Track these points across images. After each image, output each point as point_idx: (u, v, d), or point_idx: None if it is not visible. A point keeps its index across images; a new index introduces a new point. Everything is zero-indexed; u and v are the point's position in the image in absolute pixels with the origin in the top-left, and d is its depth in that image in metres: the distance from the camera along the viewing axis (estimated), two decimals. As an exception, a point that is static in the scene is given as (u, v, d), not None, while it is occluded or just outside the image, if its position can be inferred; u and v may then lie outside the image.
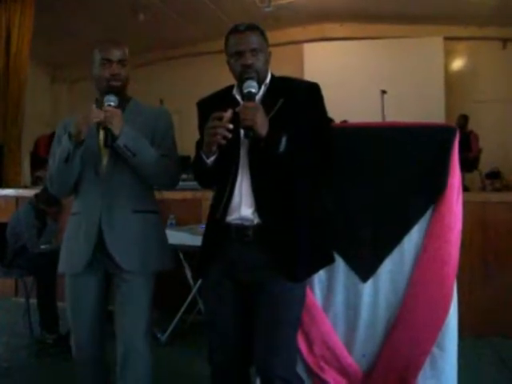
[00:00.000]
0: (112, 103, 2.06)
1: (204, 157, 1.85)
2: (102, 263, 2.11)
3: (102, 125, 2.02)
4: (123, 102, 2.18)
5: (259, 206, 1.84)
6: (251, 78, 1.85)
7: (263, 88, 1.93)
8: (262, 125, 1.73)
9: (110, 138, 2.02)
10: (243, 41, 1.88)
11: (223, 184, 1.90)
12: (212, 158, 1.85)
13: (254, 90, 1.83)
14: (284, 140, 1.75)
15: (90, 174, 2.13)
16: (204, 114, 1.95)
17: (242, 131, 1.79)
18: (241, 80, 1.88)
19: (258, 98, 1.89)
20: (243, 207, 1.86)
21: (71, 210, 2.22)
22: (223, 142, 1.76)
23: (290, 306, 1.88)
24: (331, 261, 2.07)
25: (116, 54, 2.13)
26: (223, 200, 1.89)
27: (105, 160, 2.13)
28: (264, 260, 1.84)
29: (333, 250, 2.13)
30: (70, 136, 2.01)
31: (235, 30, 1.91)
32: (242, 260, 1.87)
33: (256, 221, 1.85)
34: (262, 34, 1.94)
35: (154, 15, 8.31)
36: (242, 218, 1.86)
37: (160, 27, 8.65)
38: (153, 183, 2.19)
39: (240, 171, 1.88)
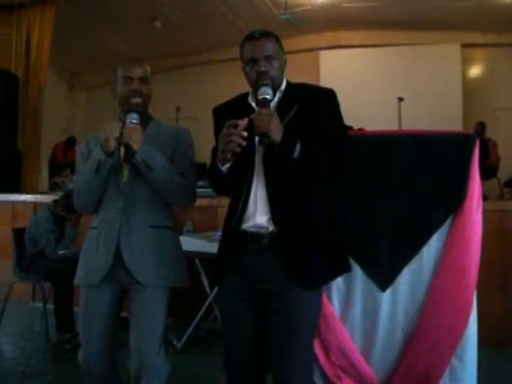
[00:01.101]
0: (134, 120, 2.10)
1: (219, 164, 1.85)
2: (118, 277, 2.12)
3: (123, 140, 2.05)
4: (145, 120, 2.21)
5: (274, 214, 1.83)
6: (266, 85, 1.85)
7: (278, 94, 1.92)
8: (276, 131, 1.73)
9: (130, 153, 2.05)
10: (258, 48, 1.88)
11: (239, 191, 1.90)
12: (227, 166, 1.85)
13: (268, 97, 1.83)
14: (298, 146, 1.74)
15: (111, 188, 2.16)
16: (219, 120, 1.96)
17: (256, 138, 1.79)
18: (256, 87, 1.88)
19: (272, 104, 1.89)
20: (258, 215, 1.86)
21: (91, 224, 2.24)
22: (238, 149, 1.76)
23: (306, 314, 1.87)
24: (347, 269, 2.07)
25: (137, 71, 2.16)
26: (238, 207, 1.88)
27: (125, 175, 2.16)
28: (279, 268, 1.83)
29: (351, 258, 2.12)
30: (101, 147, 2.05)
31: (250, 37, 1.91)
32: (257, 268, 1.87)
33: (271, 228, 1.84)
34: (278, 40, 1.94)
35: (171, 23, 8.38)
36: (257, 226, 1.86)
37: (177, 35, 8.72)
38: (168, 200, 2.20)
39: (255, 178, 1.87)
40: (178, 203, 2.23)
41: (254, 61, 1.88)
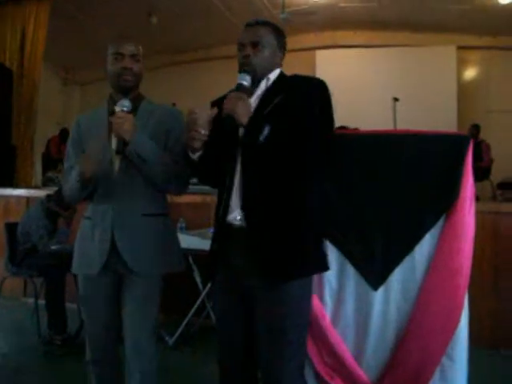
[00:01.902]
0: (125, 108, 2.05)
1: (190, 153, 1.83)
2: (115, 265, 2.12)
3: (113, 131, 2.02)
4: (135, 101, 2.17)
5: (245, 207, 1.78)
6: (244, 71, 1.83)
7: (265, 82, 1.89)
8: (242, 114, 1.71)
9: (121, 144, 2.02)
10: (246, 34, 1.88)
11: (223, 183, 1.86)
12: (197, 155, 1.83)
13: (245, 83, 1.80)
14: (267, 130, 1.70)
15: (103, 179, 2.13)
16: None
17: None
18: (239, 72, 1.86)
19: (259, 92, 1.87)
20: (236, 207, 1.81)
21: (84, 214, 2.24)
22: (198, 145, 1.76)
23: (288, 312, 1.79)
24: (323, 268, 1.96)
25: (128, 48, 2.12)
26: (223, 199, 1.85)
27: (117, 165, 2.13)
28: (252, 263, 1.78)
29: (344, 257, 2.13)
30: (78, 175, 2.04)
31: (246, 24, 1.91)
32: (239, 263, 1.83)
33: (243, 222, 1.79)
34: (275, 31, 1.92)
35: (168, 19, 8.36)
36: (235, 219, 1.81)
37: (173, 31, 8.71)
38: (161, 189, 2.18)
39: (237, 169, 1.83)
40: (172, 191, 2.22)
41: (241, 46, 1.88)
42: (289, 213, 1.78)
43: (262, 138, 1.69)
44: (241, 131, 1.80)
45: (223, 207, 1.84)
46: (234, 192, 1.81)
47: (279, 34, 1.94)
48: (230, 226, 1.82)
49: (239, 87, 1.80)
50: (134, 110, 2.11)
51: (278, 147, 1.71)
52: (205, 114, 1.75)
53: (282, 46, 1.95)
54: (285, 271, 1.77)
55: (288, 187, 1.78)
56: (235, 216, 1.80)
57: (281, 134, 1.70)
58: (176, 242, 2.29)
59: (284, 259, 1.76)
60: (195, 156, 1.84)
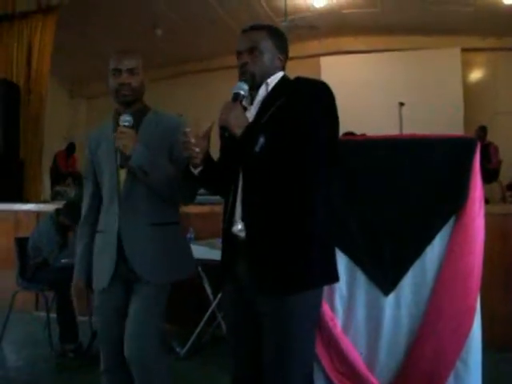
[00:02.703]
0: (126, 123, 2.07)
1: (191, 168, 1.84)
2: (125, 278, 2.14)
3: (115, 146, 2.06)
4: (140, 114, 2.19)
5: (246, 218, 1.73)
6: (242, 80, 1.78)
7: (264, 88, 1.82)
8: (235, 124, 1.67)
9: (124, 158, 2.05)
10: (241, 40, 1.83)
11: (228, 193, 1.83)
12: (199, 170, 1.83)
13: (242, 92, 1.75)
14: (262, 140, 1.62)
15: (110, 192, 2.18)
16: None
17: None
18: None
19: (259, 99, 1.82)
20: (240, 218, 1.76)
21: (97, 228, 2.27)
22: (196, 161, 1.77)
23: (291, 327, 1.71)
24: (331, 280, 1.86)
25: (125, 63, 2.13)
26: (227, 209, 1.82)
27: (122, 178, 2.16)
28: (253, 276, 1.72)
29: (353, 263, 2.12)
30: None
31: (241, 31, 1.87)
32: (243, 275, 1.77)
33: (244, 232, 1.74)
34: (272, 33, 1.86)
35: (173, 31, 8.41)
36: (238, 230, 1.76)
37: (178, 42, 8.77)
38: (167, 199, 2.19)
39: (240, 179, 1.78)
40: (178, 201, 2.22)
41: (238, 54, 1.84)
42: (291, 223, 1.70)
43: (257, 148, 1.63)
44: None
45: (228, 218, 1.80)
46: (238, 203, 1.77)
47: (277, 37, 1.87)
48: (235, 237, 1.78)
49: (235, 97, 1.74)
50: (137, 123, 2.13)
51: (274, 156, 1.64)
52: (199, 132, 1.75)
53: (282, 49, 1.88)
54: (285, 285, 1.69)
55: (289, 196, 1.70)
56: (238, 227, 1.76)
57: (277, 142, 1.63)
58: (186, 248, 2.30)
59: (284, 272, 1.68)
60: (196, 171, 1.84)
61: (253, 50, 1.80)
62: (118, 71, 2.13)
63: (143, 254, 2.11)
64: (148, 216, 2.14)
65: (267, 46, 1.83)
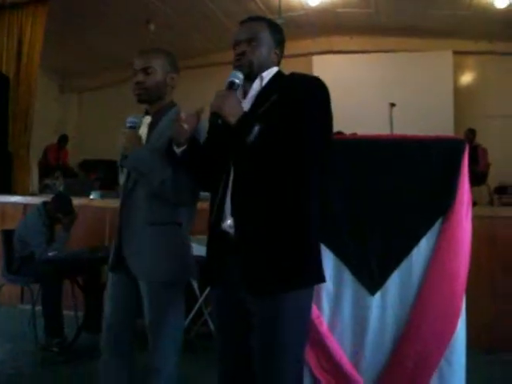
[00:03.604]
0: (129, 124, 2.13)
1: (174, 147, 1.86)
2: (126, 270, 2.17)
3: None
4: (160, 113, 2.22)
5: (236, 213, 1.69)
6: (237, 69, 1.76)
7: (258, 82, 1.80)
8: (230, 112, 1.63)
9: (124, 158, 2.12)
10: (241, 30, 1.83)
11: (217, 188, 1.78)
12: (182, 149, 1.85)
13: (236, 81, 1.72)
14: (257, 129, 1.60)
15: (121, 188, 2.26)
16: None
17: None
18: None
19: (254, 91, 1.79)
20: (229, 213, 1.72)
21: None
22: (182, 139, 1.82)
23: (281, 327, 1.67)
24: (319, 279, 1.80)
25: (138, 63, 2.17)
26: (215, 204, 1.77)
27: (123, 177, 2.24)
28: (242, 274, 1.68)
29: (341, 262, 2.12)
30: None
31: (240, 22, 1.86)
32: (232, 273, 1.72)
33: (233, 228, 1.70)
34: (271, 26, 1.85)
35: (166, 26, 8.38)
36: (228, 226, 1.72)
37: (171, 38, 8.71)
38: (166, 200, 2.18)
39: (231, 173, 1.74)
40: (175, 203, 2.21)
41: (236, 43, 1.82)
42: (283, 220, 1.67)
43: (251, 137, 1.60)
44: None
45: (216, 213, 1.75)
46: (228, 197, 1.72)
47: (275, 30, 1.86)
48: (225, 233, 1.73)
49: (230, 85, 1.72)
50: (156, 123, 2.19)
51: (268, 147, 1.62)
52: (192, 112, 1.76)
53: (279, 43, 1.87)
54: (278, 283, 1.65)
55: (281, 191, 1.67)
56: (227, 223, 1.72)
57: (273, 133, 1.61)
58: (184, 250, 2.27)
59: (278, 270, 1.65)
60: (179, 150, 1.84)
61: (252, 40, 1.79)
62: (134, 71, 2.18)
63: (138, 251, 2.13)
64: (145, 214, 2.15)
65: (266, 38, 1.82)
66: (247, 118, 1.65)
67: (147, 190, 2.14)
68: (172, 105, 2.28)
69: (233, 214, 1.70)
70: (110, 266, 2.24)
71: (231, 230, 1.71)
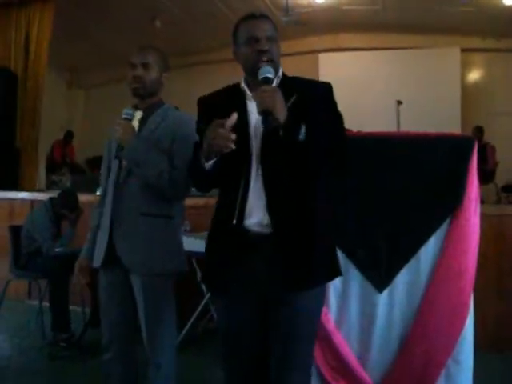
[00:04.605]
0: (124, 116, 2.16)
1: (202, 160, 1.68)
2: (118, 263, 2.17)
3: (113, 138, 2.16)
4: (152, 108, 2.25)
5: (273, 211, 1.67)
6: (268, 64, 1.70)
7: (276, 81, 1.76)
8: (280, 110, 1.57)
9: (120, 149, 2.13)
10: (259, 26, 1.76)
11: (234, 185, 1.72)
12: (211, 162, 1.68)
13: (271, 76, 1.67)
14: (304, 128, 1.58)
15: (111, 178, 2.24)
16: (207, 111, 1.83)
17: (259, 117, 1.63)
18: (256, 67, 1.71)
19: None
20: (258, 211, 1.69)
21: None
22: (225, 151, 1.61)
23: (309, 321, 1.75)
24: (339, 273, 1.85)
25: (140, 57, 2.20)
26: (237, 203, 1.70)
27: (115, 168, 2.24)
28: (279, 271, 1.67)
29: (348, 259, 2.12)
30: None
31: (249, 17, 1.80)
32: (260, 271, 1.69)
33: (269, 227, 1.68)
34: (274, 26, 1.81)
35: (171, 23, 8.38)
36: (257, 224, 1.69)
37: (177, 35, 8.72)
38: (158, 191, 2.19)
39: (253, 170, 1.71)
40: (168, 197, 2.22)
41: (254, 40, 1.73)
42: (316, 216, 1.73)
43: (301, 136, 1.58)
44: (256, 128, 1.70)
45: (238, 212, 1.70)
46: (252, 196, 1.70)
47: (276, 29, 1.83)
48: (246, 232, 1.71)
49: (267, 81, 1.65)
50: (147, 117, 2.22)
51: (315, 146, 1.62)
52: (231, 119, 1.60)
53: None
54: (310, 278, 1.70)
55: (316, 189, 1.74)
56: (259, 221, 1.69)
57: (316, 134, 1.61)
58: (176, 243, 2.29)
59: (310, 266, 1.69)
60: (208, 164, 1.69)
61: (272, 39, 1.76)
62: (132, 65, 2.20)
63: (130, 242, 2.15)
64: (138, 205, 2.17)
65: (277, 37, 1.80)
66: (294, 118, 1.61)
67: (141, 182, 2.16)
68: (161, 102, 2.31)
69: (269, 213, 1.68)
70: (101, 262, 2.19)
71: (259, 228, 1.69)
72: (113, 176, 2.23)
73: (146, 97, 2.24)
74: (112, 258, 2.16)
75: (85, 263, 2.33)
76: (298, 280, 1.68)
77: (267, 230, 1.69)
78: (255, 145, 1.72)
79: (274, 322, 1.74)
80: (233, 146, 1.59)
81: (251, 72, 1.75)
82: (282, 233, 1.68)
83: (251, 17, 1.80)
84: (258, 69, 1.69)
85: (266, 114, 1.58)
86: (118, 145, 2.13)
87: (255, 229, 1.70)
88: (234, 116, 1.61)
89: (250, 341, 1.80)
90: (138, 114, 2.25)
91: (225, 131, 1.58)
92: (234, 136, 1.58)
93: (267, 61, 1.71)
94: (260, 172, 1.70)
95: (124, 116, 2.17)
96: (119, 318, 2.23)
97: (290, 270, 1.68)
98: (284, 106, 1.60)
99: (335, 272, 1.83)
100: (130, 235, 2.15)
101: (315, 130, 1.61)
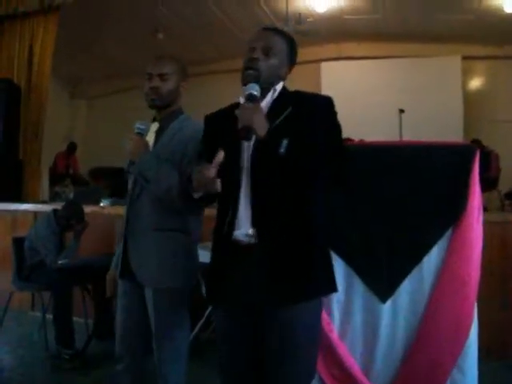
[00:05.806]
0: (136, 130, 2.13)
1: (191, 190, 1.77)
2: (133, 276, 2.18)
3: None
4: (169, 119, 2.23)
5: (258, 222, 1.69)
6: (251, 80, 1.71)
7: (272, 94, 1.79)
8: (260, 126, 1.61)
9: (131, 164, 2.12)
10: (257, 37, 1.80)
11: (228, 196, 1.74)
12: (199, 194, 1.77)
13: (255, 92, 1.68)
14: (286, 142, 1.61)
15: (129, 193, 2.25)
16: (210, 129, 1.93)
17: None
18: (243, 81, 1.75)
19: (265, 103, 1.77)
20: (246, 222, 1.70)
21: None
22: (212, 192, 1.67)
23: (297, 334, 1.69)
24: (334, 289, 1.81)
25: (156, 68, 2.18)
26: (228, 214, 1.74)
27: (130, 183, 2.25)
28: (265, 282, 1.67)
29: (351, 270, 2.11)
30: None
31: (262, 28, 1.85)
32: (248, 282, 1.71)
33: (254, 238, 1.69)
34: (290, 42, 1.85)
35: (174, 34, 8.43)
36: (246, 235, 1.70)
37: (179, 46, 8.76)
38: (171, 207, 2.18)
39: (243, 182, 1.73)
40: (181, 211, 2.21)
41: (251, 49, 1.77)
42: (299, 229, 1.70)
43: (282, 150, 1.61)
44: (246, 144, 1.72)
45: (228, 222, 1.73)
46: (242, 207, 1.72)
47: (293, 49, 1.87)
48: (237, 242, 1.72)
49: (251, 98, 1.68)
50: (163, 129, 2.21)
51: (297, 159, 1.64)
52: (219, 158, 1.64)
53: (291, 62, 1.88)
54: (298, 291, 1.68)
55: (303, 201, 1.72)
56: (245, 232, 1.70)
57: (299, 146, 1.63)
58: (189, 258, 2.27)
59: (297, 278, 1.68)
60: (196, 195, 1.78)
61: (268, 50, 1.77)
62: (149, 75, 2.18)
63: (142, 257, 2.15)
64: (151, 221, 2.16)
65: (282, 52, 1.81)
66: (275, 132, 1.65)
67: (152, 196, 2.15)
68: (179, 112, 2.30)
69: (254, 224, 1.69)
70: (119, 273, 2.24)
71: (248, 239, 1.70)
72: (129, 191, 2.24)
73: (164, 108, 2.23)
74: (127, 270, 2.19)
75: (113, 273, 2.35)
76: (282, 293, 1.67)
77: (254, 241, 1.69)
78: (246, 157, 1.74)
79: (266, 335, 1.73)
80: (218, 189, 1.64)
81: (242, 81, 1.77)
82: (267, 244, 1.68)
83: (262, 28, 1.84)
84: (244, 85, 1.72)
85: (246, 129, 1.62)
86: (130, 160, 2.12)
87: (243, 239, 1.71)
88: (221, 154, 1.64)
89: (245, 351, 1.79)
90: (155, 126, 2.25)
91: (210, 174, 1.62)
92: (218, 181, 1.63)
93: (250, 68, 1.74)
94: (250, 184, 1.72)
95: (136, 131, 2.13)
96: (132, 329, 2.23)
97: (273, 282, 1.67)
98: (264, 122, 1.63)
99: (329, 287, 1.80)
100: (142, 251, 2.16)
101: (303, 145, 1.63)
